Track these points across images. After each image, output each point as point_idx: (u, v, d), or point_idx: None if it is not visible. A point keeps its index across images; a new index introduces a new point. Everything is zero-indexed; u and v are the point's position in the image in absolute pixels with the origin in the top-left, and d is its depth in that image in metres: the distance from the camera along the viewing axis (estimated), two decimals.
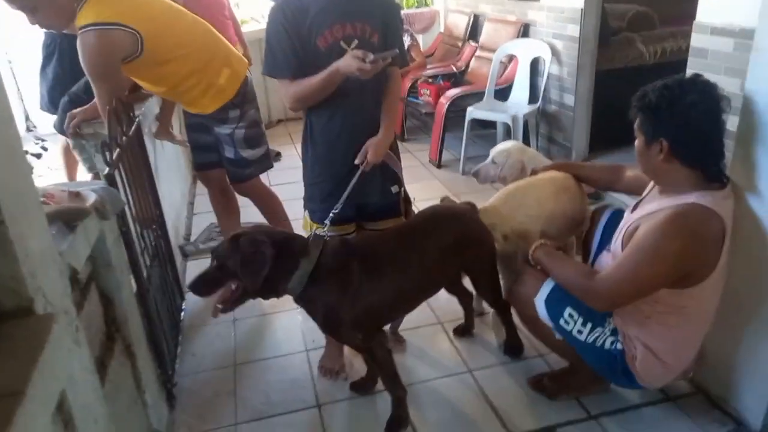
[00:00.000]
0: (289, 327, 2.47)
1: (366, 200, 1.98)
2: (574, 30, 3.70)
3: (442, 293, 2.19)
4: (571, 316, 1.77)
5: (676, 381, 1.90)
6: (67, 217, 1.30)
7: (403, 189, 2.09)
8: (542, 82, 4.01)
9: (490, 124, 4.36)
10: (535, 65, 4.11)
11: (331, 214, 1.85)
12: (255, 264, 1.61)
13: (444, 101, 4.19)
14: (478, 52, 4.72)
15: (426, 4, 6.20)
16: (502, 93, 4.25)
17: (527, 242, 1.97)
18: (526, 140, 3.92)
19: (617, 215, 1.94)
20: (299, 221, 2.21)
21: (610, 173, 2.14)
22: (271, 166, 2.68)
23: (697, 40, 2.50)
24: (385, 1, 1.89)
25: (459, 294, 2.30)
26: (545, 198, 2.16)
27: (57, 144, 3.20)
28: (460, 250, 1.91)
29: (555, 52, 3.92)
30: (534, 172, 2.33)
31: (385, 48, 1.78)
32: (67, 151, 3.16)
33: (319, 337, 2.19)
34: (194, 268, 2.94)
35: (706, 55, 2.45)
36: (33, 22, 2.02)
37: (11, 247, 0.87)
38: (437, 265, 1.88)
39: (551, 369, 2.11)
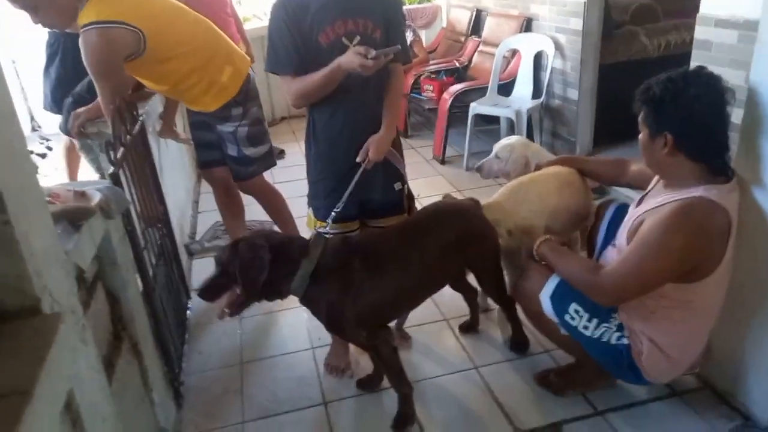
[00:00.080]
0: (295, 325, 2.47)
1: (369, 197, 1.98)
2: (577, 24, 3.68)
3: (447, 290, 2.19)
4: (576, 311, 1.76)
5: (682, 376, 1.89)
6: (73, 216, 1.30)
7: (406, 186, 2.09)
8: (545, 77, 4.00)
9: (494, 120, 4.35)
10: (538, 60, 4.09)
11: (333, 213, 1.86)
12: (254, 269, 1.64)
13: (447, 97, 4.18)
14: (481, 47, 4.71)
15: (428, 0, 6.18)
16: (506, 88, 4.24)
17: (531, 238, 1.96)
18: (529, 135, 3.91)
19: (622, 210, 1.93)
20: (303, 219, 2.21)
21: (614, 167, 2.14)
22: (275, 164, 2.68)
23: (701, 32, 2.48)
24: None
25: (464, 290, 2.30)
26: (549, 193, 2.16)
27: (61, 144, 3.21)
28: (463, 247, 1.91)
29: (558, 46, 3.90)
30: (538, 167, 2.33)
31: (387, 44, 1.78)
32: (69, 151, 3.17)
33: (325, 335, 2.20)
34: (200, 267, 2.95)
35: (710, 47, 2.43)
36: (36, 21, 2.02)
37: (17, 246, 0.88)
38: (440, 261, 1.88)
39: (557, 365, 2.10)
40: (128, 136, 1.96)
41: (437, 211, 1.99)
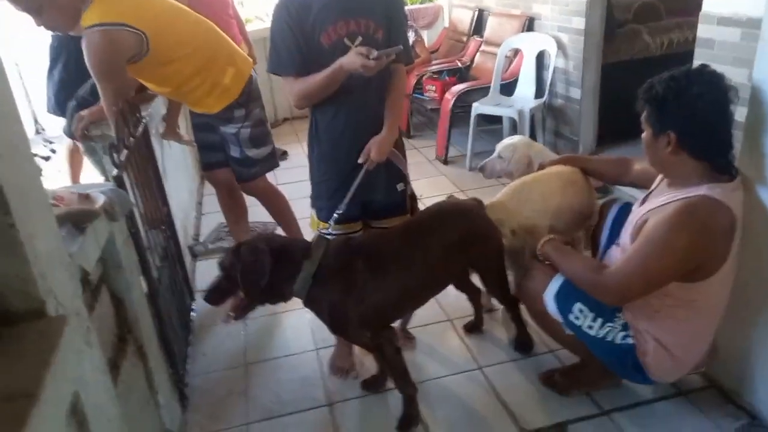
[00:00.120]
0: (298, 326, 2.47)
1: (371, 198, 1.98)
2: (579, 23, 3.68)
3: (451, 290, 2.19)
4: (581, 311, 1.76)
5: (688, 375, 1.88)
6: (77, 218, 1.30)
7: (409, 186, 2.09)
8: (548, 76, 3.99)
9: (496, 119, 4.35)
10: (540, 59, 4.09)
11: (335, 215, 1.86)
12: (255, 273, 1.65)
13: (449, 97, 4.18)
14: (483, 47, 4.70)
15: (430, 0, 6.18)
16: (508, 88, 4.23)
17: (535, 237, 1.96)
18: (532, 135, 3.90)
19: (626, 209, 1.93)
20: (307, 220, 2.21)
21: (617, 166, 2.13)
22: (277, 165, 2.68)
23: (703, 30, 2.48)
24: None
25: (468, 290, 2.29)
26: (552, 192, 2.15)
27: (64, 146, 3.21)
28: (466, 247, 1.91)
29: (560, 46, 3.89)
30: (541, 167, 2.32)
31: (389, 44, 1.78)
32: (72, 154, 3.18)
33: (329, 336, 2.20)
34: (203, 268, 2.96)
35: (712, 45, 2.43)
36: (39, 23, 2.03)
37: (21, 249, 0.88)
38: (443, 262, 1.88)
39: (562, 365, 2.10)
40: (131, 139, 1.96)
41: (440, 211, 1.99)
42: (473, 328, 2.35)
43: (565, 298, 1.79)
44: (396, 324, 2.00)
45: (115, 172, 1.68)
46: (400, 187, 2.04)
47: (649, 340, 1.68)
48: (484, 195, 2.20)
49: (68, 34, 2.35)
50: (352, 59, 1.67)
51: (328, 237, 1.85)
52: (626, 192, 2.92)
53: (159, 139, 2.71)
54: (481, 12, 4.96)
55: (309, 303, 1.78)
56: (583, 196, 2.21)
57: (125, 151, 1.82)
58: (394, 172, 2.00)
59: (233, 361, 2.31)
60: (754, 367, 1.80)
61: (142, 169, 2.03)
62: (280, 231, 2.80)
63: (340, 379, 2.15)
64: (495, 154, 2.58)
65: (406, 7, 5.54)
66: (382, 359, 1.92)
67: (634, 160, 2.04)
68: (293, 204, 2.74)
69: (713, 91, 1.50)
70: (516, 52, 4.26)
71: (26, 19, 2.02)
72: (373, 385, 2.08)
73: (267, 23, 5.01)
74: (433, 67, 4.81)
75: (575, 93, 3.86)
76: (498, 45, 4.29)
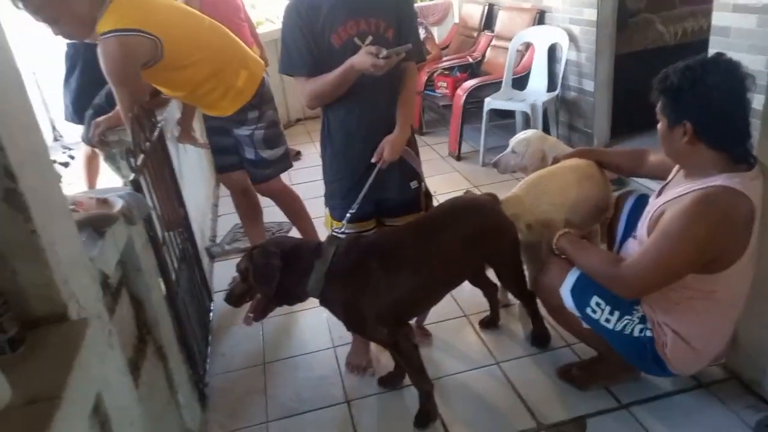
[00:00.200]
0: (315, 324, 2.49)
1: (385, 196, 1.99)
2: (591, 14, 3.63)
3: (467, 285, 2.18)
4: (598, 304, 1.75)
5: (708, 367, 1.86)
6: (96, 223, 1.33)
7: (423, 184, 2.09)
8: (560, 69, 3.96)
9: (509, 114, 4.32)
10: (552, 52, 4.05)
11: (348, 214, 1.87)
12: (267, 275, 1.71)
13: (461, 93, 4.16)
14: (494, 42, 4.68)
15: None
16: (520, 82, 4.20)
17: (551, 231, 1.95)
18: (545, 128, 3.87)
19: (642, 201, 1.91)
20: (321, 219, 2.23)
21: (633, 158, 2.11)
22: (291, 166, 2.70)
23: (718, 18, 2.43)
24: None
25: (483, 286, 2.29)
26: (568, 186, 2.14)
27: (81, 152, 3.26)
28: (481, 243, 1.91)
29: (572, 38, 3.86)
30: (555, 161, 2.30)
31: (400, 43, 1.78)
32: (89, 160, 3.23)
33: (346, 334, 2.21)
34: (221, 269, 2.99)
35: (728, 33, 2.38)
36: (56, 32, 2.06)
37: (43, 254, 0.90)
38: (458, 257, 1.88)
39: (579, 358, 2.09)
40: (147, 143, 1.99)
41: (454, 207, 1.99)
42: (489, 323, 2.35)
43: (581, 292, 1.77)
44: (412, 321, 2.00)
45: (132, 176, 1.70)
46: (413, 184, 2.04)
47: (668, 333, 1.67)
48: (498, 190, 2.19)
49: (84, 41, 2.39)
50: (363, 59, 1.68)
51: (341, 236, 1.86)
52: (642, 184, 2.89)
53: (174, 142, 2.74)
54: (491, 6, 4.93)
55: (324, 302, 1.81)
56: (599, 189, 2.19)
57: (142, 156, 1.84)
58: (407, 170, 2.00)
59: (252, 360, 2.34)
60: None
61: (158, 172, 2.06)
62: (295, 231, 2.82)
63: (358, 376, 2.16)
64: (509, 149, 2.57)
65: (416, 4, 5.53)
66: (399, 356, 1.93)
67: (650, 152, 2.02)
68: (307, 203, 2.76)
69: (729, 79, 1.48)
70: (527, 45, 4.23)
71: (42, 29, 2.06)
72: (390, 382, 2.09)
73: (278, 25, 5.03)
74: (444, 64, 4.79)
75: (588, 85, 3.82)
76: (509, 39, 4.26)
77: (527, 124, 3.95)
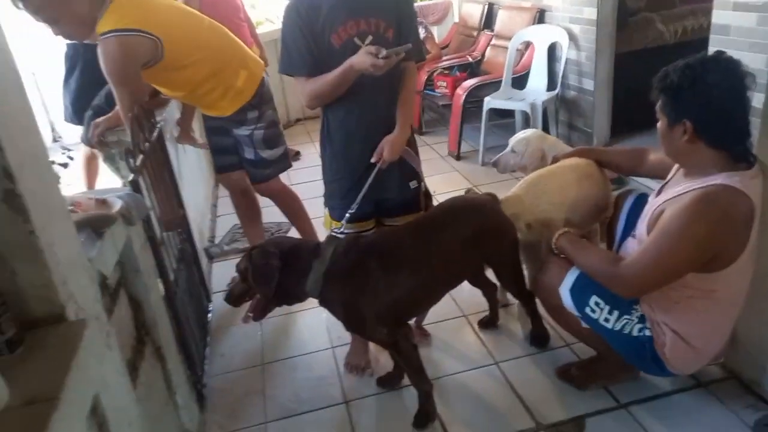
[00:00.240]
0: (314, 325, 2.49)
1: (385, 196, 1.99)
2: (591, 13, 3.63)
3: (466, 285, 2.18)
4: (597, 304, 1.74)
5: (707, 366, 1.86)
6: (95, 224, 1.33)
7: (423, 183, 2.09)
8: (560, 68, 3.96)
9: (509, 113, 4.32)
10: (552, 51, 4.05)
11: (347, 214, 1.87)
12: (266, 276, 1.71)
13: (461, 92, 4.16)
14: (494, 41, 4.67)
15: None
16: (520, 81, 4.20)
17: (551, 230, 1.94)
18: (545, 128, 3.87)
19: (641, 200, 1.91)
20: (320, 219, 2.22)
21: (632, 157, 2.10)
22: (290, 166, 2.70)
23: (718, 16, 2.43)
24: None
25: (482, 286, 2.29)
26: (568, 185, 2.13)
27: (81, 153, 3.26)
28: (480, 242, 1.90)
29: (572, 37, 3.85)
30: (555, 160, 2.30)
31: (400, 42, 1.78)
32: (89, 161, 3.23)
33: (344, 334, 2.21)
34: (219, 270, 2.99)
35: (728, 31, 2.38)
36: (56, 32, 2.06)
37: (42, 255, 0.90)
38: (457, 257, 1.87)
39: (578, 358, 2.09)
40: (147, 143, 1.99)
41: (453, 207, 1.99)
42: (488, 323, 2.35)
43: (580, 291, 1.77)
44: (411, 321, 2.00)
45: (131, 176, 1.70)
46: (413, 184, 2.04)
47: (667, 332, 1.66)
48: (498, 189, 2.19)
49: (83, 42, 2.38)
50: (362, 59, 1.67)
51: (341, 236, 1.86)
52: (642, 183, 2.89)
53: (174, 143, 2.74)
54: (491, 6, 4.93)
55: (323, 302, 1.81)
56: (599, 188, 2.19)
57: (141, 156, 1.84)
58: (407, 169, 2.00)
59: (250, 360, 2.33)
60: None
61: (157, 173, 2.06)
62: (294, 231, 2.82)
63: (356, 376, 2.16)
64: (508, 149, 2.57)
65: (416, 4, 5.53)
66: (398, 356, 1.93)
67: (650, 151, 2.02)
68: (307, 203, 2.76)
69: (730, 78, 1.48)
70: (527, 45, 4.23)
71: (42, 29, 2.06)
72: (388, 382, 2.09)
73: (278, 26, 5.03)
74: (444, 63, 4.79)
75: (588, 84, 3.82)
76: (509, 38, 4.26)
77: (527, 123, 3.95)
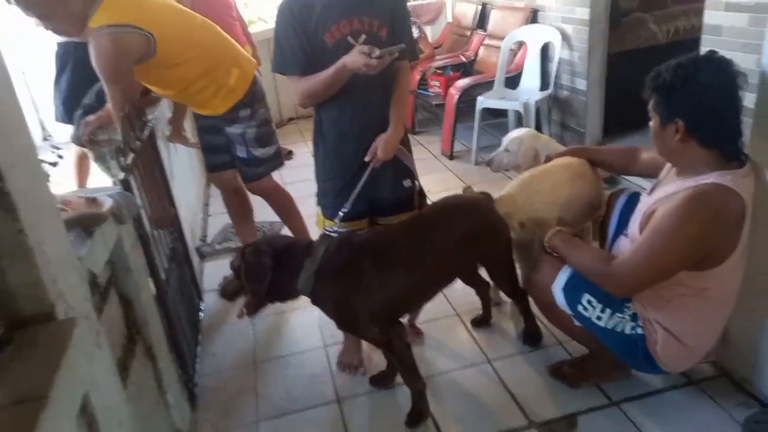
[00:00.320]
0: (306, 323, 2.48)
1: (378, 195, 1.98)
2: (583, 13, 3.65)
3: (459, 284, 2.18)
4: (589, 302, 1.75)
5: (698, 364, 1.87)
6: (85, 222, 1.32)
7: (417, 182, 2.09)
8: (553, 68, 3.97)
9: (502, 113, 4.33)
10: (545, 51, 4.06)
11: (340, 213, 1.87)
12: (258, 274, 1.72)
13: (454, 92, 4.17)
14: (487, 41, 4.68)
15: None
16: (513, 81, 4.21)
17: (544, 229, 1.95)
18: (538, 127, 3.88)
19: (634, 199, 1.92)
20: (313, 218, 2.22)
21: (625, 156, 2.11)
22: (282, 164, 2.69)
23: (710, 16, 2.45)
24: None
25: (475, 284, 2.29)
26: (561, 184, 2.14)
27: (72, 152, 3.24)
28: (474, 241, 1.91)
29: (565, 37, 3.87)
30: (548, 159, 2.31)
31: (393, 42, 1.77)
32: (80, 160, 3.20)
33: (337, 333, 2.21)
34: (211, 269, 2.97)
35: (720, 31, 2.40)
36: (48, 28, 2.04)
37: (31, 254, 0.89)
38: (451, 256, 1.88)
39: (571, 356, 2.09)
40: (138, 142, 1.98)
41: (446, 205, 1.99)
42: (481, 321, 2.35)
43: (573, 290, 1.78)
44: (404, 319, 2.00)
45: (121, 175, 1.69)
46: (406, 183, 2.03)
47: (659, 330, 1.67)
48: (491, 189, 2.19)
49: (74, 40, 2.36)
50: (355, 58, 1.67)
51: (333, 235, 1.86)
52: (634, 182, 2.90)
53: (165, 142, 2.72)
54: (484, 6, 4.94)
55: (315, 300, 1.81)
56: (591, 187, 2.20)
57: (132, 155, 1.83)
58: (400, 168, 2.00)
59: (242, 359, 2.32)
60: (766, 355, 1.79)
61: (148, 171, 2.05)
62: (286, 230, 2.81)
63: (349, 375, 2.16)
64: (501, 148, 2.57)
65: (409, 3, 5.53)
66: (391, 354, 1.92)
67: (642, 150, 2.03)
68: (299, 202, 2.75)
69: (721, 77, 1.49)
70: (520, 44, 4.24)
71: (32, 27, 2.04)
72: (381, 381, 2.08)
73: (271, 24, 5.01)
74: (437, 63, 4.79)
75: (581, 84, 3.84)
76: (502, 38, 4.27)
77: (520, 122, 3.96)
